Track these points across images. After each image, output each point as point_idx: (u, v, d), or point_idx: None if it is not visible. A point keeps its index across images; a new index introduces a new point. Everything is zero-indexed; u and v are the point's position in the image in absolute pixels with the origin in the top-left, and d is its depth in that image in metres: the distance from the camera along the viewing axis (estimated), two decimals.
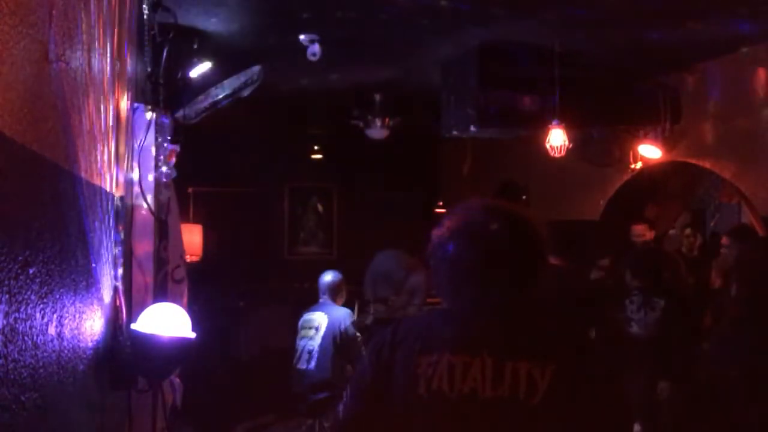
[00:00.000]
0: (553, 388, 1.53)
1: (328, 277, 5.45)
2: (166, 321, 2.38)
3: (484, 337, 1.62)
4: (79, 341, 1.81)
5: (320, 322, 5.24)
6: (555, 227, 4.93)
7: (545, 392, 1.53)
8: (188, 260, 4.76)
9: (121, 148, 2.50)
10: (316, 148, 8.98)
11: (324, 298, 5.40)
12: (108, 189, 2.20)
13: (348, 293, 5.68)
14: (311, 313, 5.35)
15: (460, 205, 1.78)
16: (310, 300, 5.57)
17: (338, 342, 5.16)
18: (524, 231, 1.69)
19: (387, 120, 6.76)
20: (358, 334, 5.25)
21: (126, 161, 2.61)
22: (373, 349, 1.70)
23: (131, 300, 2.68)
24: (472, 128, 5.18)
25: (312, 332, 5.25)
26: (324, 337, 5.18)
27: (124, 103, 2.54)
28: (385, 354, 1.65)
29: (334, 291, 5.40)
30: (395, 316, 6.89)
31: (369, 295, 6.49)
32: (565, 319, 1.81)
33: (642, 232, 6.13)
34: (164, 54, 3.27)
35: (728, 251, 4.98)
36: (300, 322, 5.37)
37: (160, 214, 2.93)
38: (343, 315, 5.28)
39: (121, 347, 2.29)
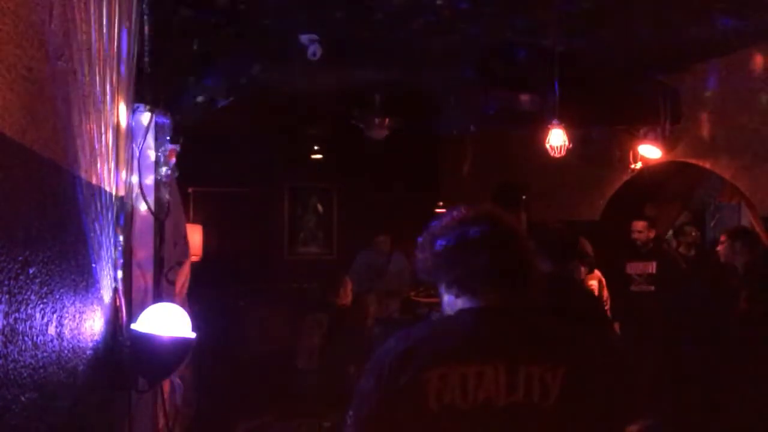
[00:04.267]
0: (566, 389, 1.54)
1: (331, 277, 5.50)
2: (166, 321, 2.37)
3: (493, 344, 1.61)
4: (79, 341, 1.81)
5: (325, 322, 5.27)
6: (550, 231, 4.90)
7: (558, 394, 1.53)
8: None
9: (121, 149, 2.50)
10: (316, 148, 8.98)
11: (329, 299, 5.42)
12: (108, 189, 2.20)
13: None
14: (317, 313, 5.37)
15: (446, 214, 1.77)
16: (310, 300, 5.58)
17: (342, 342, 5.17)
18: (515, 236, 1.71)
19: (387, 120, 6.76)
20: (364, 334, 5.27)
21: (126, 161, 2.61)
22: (375, 367, 1.64)
23: (131, 300, 2.68)
24: (472, 128, 5.18)
25: (315, 331, 5.27)
26: (328, 337, 5.19)
27: (124, 104, 2.54)
28: (388, 371, 1.60)
29: (337, 290, 5.41)
30: (389, 312, 6.95)
31: (355, 289, 6.57)
32: (570, 320, 1.81)
33: (642, 228, 6.14)
34: (164, 54, 3.26)
35: (725, 249, 5.00)
36: (304, 323, 5.39)
37: (160, 214, 2.92)
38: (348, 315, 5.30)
39: (121, 347, 2.29)
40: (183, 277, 3.42)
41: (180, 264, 3.33)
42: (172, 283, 3.20)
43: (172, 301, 2.99)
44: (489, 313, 1.66)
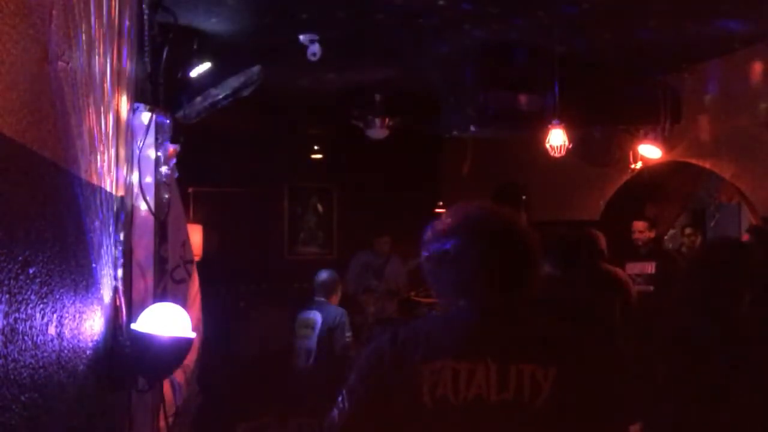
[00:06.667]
0: (557, 389, 1.55)
1: (322, 275, 5.47)
2: (166, 321, 2.37)
3: (486, 341, 1.62)
4: (79, 341, 1.81)
5: (315, 320, 5.28)
6: (554, 237, 4.87)
7: (549, 394, 1.54)
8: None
9: (121, 148, 2.50)
10: (316, 148, 8.98)
11: (319, 297, 5.42)
12: (108, 189, 2.20)
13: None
14: (306, 312, 5.38)
15: (454, 208, 1.78)
16: (310, 300, 5.57)
17: (329, 338, 5.20)
18: (519, 233, 1.71)
19: (387, 120, 6.76)
20: (349, 333, 5.27)
21: (126, 161, 2.61)
22: (370, 357, 1.66)
23: (131, 300, 2.68)
24: (472, 128, 5.18)
25: (309, 331, 5.29)
26: (319, 335, 5.21)
27: (124, 103, 2.54)
28: (383, 363, 1.62)
29: (328, 289, 5.41)
30: (387, 312, 6.94)
31: (352, 289, 6.58)
32: (563, 320, 1.81)
33: (642, 228, 6.14)
34: (164, 54, 3.26)
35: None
36: (296, 322, 5.40)
37: (160, 214, 2.92)
38: (336, 313, 5.31)
39: (121, 347, 2.29)
40: (195, 277, 3.44)
41: (190, 262, 3.34)
42: (178, 282, 3.21)
43: (177, 300, 2.99)
44: (483, 312, 1.67)
